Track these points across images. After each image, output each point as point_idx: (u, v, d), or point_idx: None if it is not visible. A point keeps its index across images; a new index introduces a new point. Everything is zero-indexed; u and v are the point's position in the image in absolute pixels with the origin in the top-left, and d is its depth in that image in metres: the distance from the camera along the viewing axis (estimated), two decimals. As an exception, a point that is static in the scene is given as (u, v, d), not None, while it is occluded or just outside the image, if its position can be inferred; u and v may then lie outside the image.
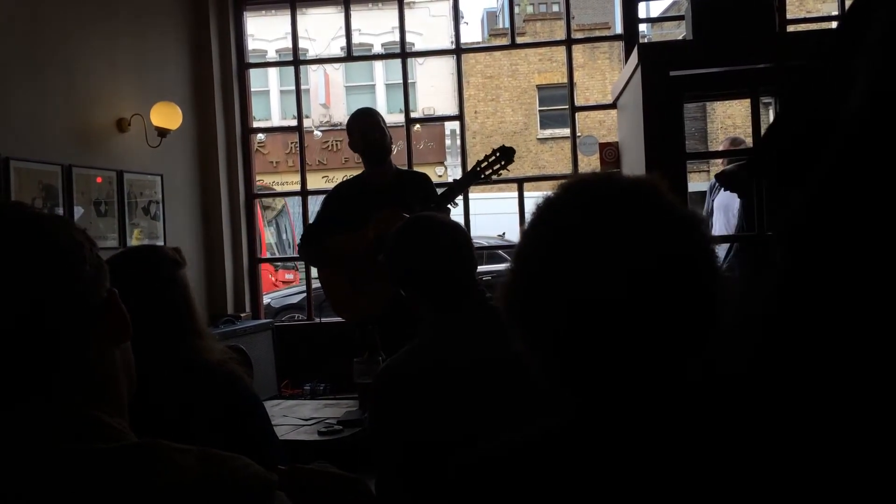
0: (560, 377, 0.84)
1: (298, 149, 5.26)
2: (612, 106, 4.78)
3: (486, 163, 3.41)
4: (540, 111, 17.93)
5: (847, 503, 0.75)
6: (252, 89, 5.33)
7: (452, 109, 5.08)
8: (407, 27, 5.09)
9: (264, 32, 15.05)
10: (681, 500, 0.77)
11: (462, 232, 1.77)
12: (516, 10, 5.84)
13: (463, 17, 14.66)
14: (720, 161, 4.86)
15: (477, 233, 6.27)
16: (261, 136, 14.56)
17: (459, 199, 3.40)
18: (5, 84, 3.46)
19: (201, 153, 4.85)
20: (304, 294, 5.43)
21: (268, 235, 12.17)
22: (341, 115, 17.21)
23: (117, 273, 0.89)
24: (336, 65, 16.63)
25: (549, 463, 0.81)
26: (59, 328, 0.77)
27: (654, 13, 19.52)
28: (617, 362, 0.80)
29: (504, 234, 8.67)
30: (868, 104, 0.81)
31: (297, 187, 5.29)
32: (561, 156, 17.00)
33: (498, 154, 3.41)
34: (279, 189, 13.97)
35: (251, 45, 5.84)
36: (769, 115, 7.92)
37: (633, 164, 3.98)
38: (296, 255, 11.10)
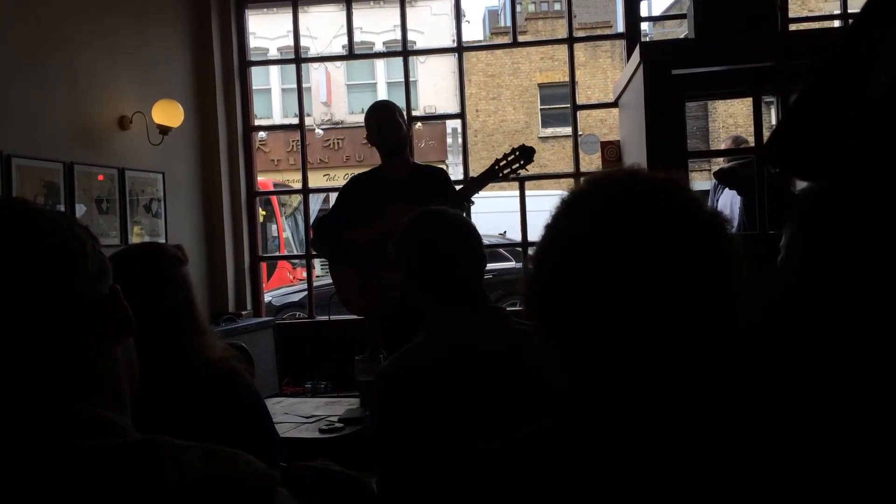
0: (577, 373, 0.84)
1: (300, 147, 5.26)
2: (614, 104, 4.78)
3: (504, 161, 3.35)
4: (541, 110, 17.92)
5: (859, 499, 0.75)
6: (253, 87, 5.33)
7: (454, 108, 5.10)
8: (408, 25, 5.09)
9: (266, 30, 15.05)
10: (693, 499, 0.76)
11: (472, 229, 1.76)
12: (518, 8, 5.83)
13: (464, 16, 14.68)
14: (722, 160, 4.86)
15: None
16: (262, 134, 14.56)
17: (475, 197, 3.34)
18: (7, 81, 3.46)
19: (203, 151, 4.85)
20: (306, 292, 5.43)
21: (286, 230, 12.19)
22: (343, 113, 17.21)
23: (119, 270, 0.89)
24: (337, 63, 16.61)
25: (564, 460, 0.81)
26: (61, 325, 0.77)
27: (656, 12, 19.55)
28: (636, 359, 0.79)
29: (505, 232, 8.67)
30: (890, 99, 0.81)
31: (299, 185, 5.29)
32: (562, 154, 16.99)
33: (518, 153, 3.35)
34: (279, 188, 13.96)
35: (253, 42, 5.85)
36: (771, 114, 7.91)
37: (635, 162, 3.97)
38: (299, 253, 11.17)
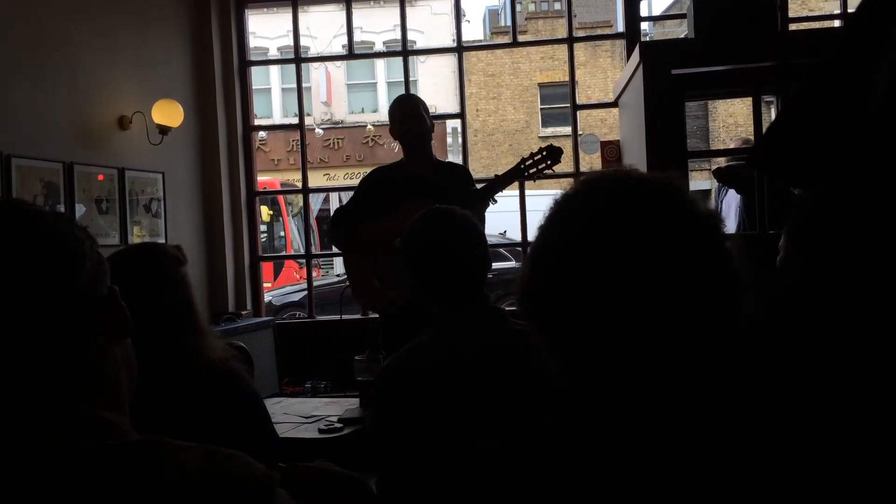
0: (576, 373, 0.84)
1: (300, 146, 5.27)
2: (614, 104, 4.78)
3: (531, 160, 3.32)
4: (541, 109, 17.92)
5: (859, 499, 0.75)
6: (253, 87, 5.33)
7: (454, 107, 5.11)
8: (408, 25, 5.09)
9: (266, 30, 15.04)
10: (693, 500, 0.76)
11: (477, 230, 1.75)
12: (518, 8, 5.84)
13: (464, 15, 14.68)
14: (723, 160, 4.86)
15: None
16: (262, 133, 14.57)
17: (499, 195, 3.31)
18: (7, 81, 3.46)
19: (203, 151, 4.85)
20: (306, 292, 5.43)
21: (292, 229, 12.21)
22: (343, 112, 17.21)
23: (118, 270, 0.89)
24: (337, 63, 16.61)
25: (564, 460, 0.81)
26: (59, 325, 0.77)
27: (656, 11, 19.54)
28: (632, 359, 0.79)
29: (505, 232, 8.66)
30: (890, 100, 0.81)
31: (299, 185, 5.29)
32: (563, 154, 16.97)
33: (545, 153, 3.32)
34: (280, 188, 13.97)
35: (253, 42, 5.85)
36: (771, 114, 7.91)
37: (635, 162, 3.97)
38: (300, 253, 11.17)
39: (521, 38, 10.13)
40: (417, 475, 1.49)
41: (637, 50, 3.64)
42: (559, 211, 0.85)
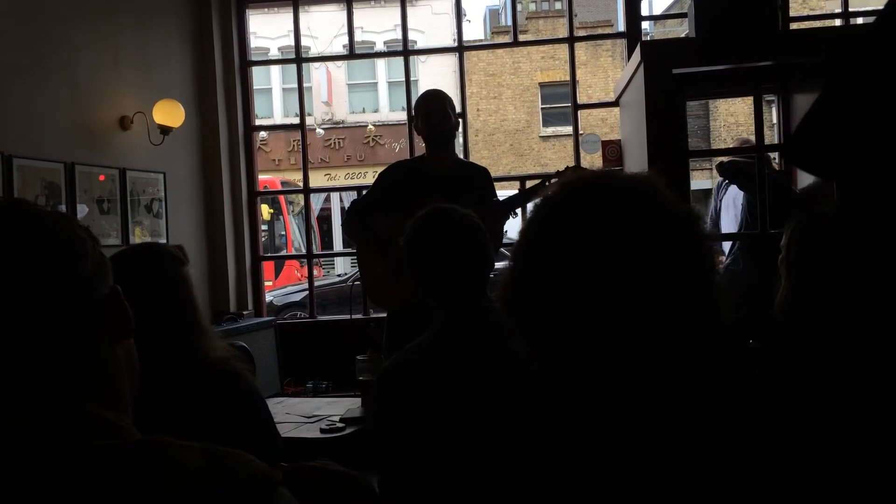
0: (557, 374, 0.84)
1: (301, 146, 5.27)
2: (615, 104, 4.78)
3: (556, 179, 3.28)
4: (542, 109, 17.91)
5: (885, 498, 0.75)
6: (254, 87, 5.34)
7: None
8: (409, 25, 5.09)
9: (266, 30, 15.05)
10: (676, 499, 0.77)
11: (480, 230, 1.75)
12: (518, 7, 5.84)
13: (465, 15, 14.66)
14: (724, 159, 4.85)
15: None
16: (263, 133, 14.57)
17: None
18: (8, 81, 3.46)
19: (204, 151, 4.85)
20: (307, 292, 5.44)
21: (293, 228, 12.22)
22: (343, 112, 17.21)
23: (120, 270, 0.89)
24: (338, 62, 16.61)
25: (548, 462, 0.81)
26: (61, 325, 0.77)
27: (657, 11, 19.52)
28: (609, 360, 0.80)
29: (506, 232, 8.67)
30: None
31: (300, 185, 5.29)
32: (563, 154, 16.98)
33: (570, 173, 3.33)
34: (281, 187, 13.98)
35: (253, 42, 5.85)
36: (772, 113, 7.90)
37: (636, 161, 3.97)
38: (301, 252, 11.17)
39: (521, 38, 10.13)
40: (418, 474, 1.49)
41: (638, 49, 3.64)
42: (540, 213, 0.86)
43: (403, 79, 5.11)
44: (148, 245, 1.97)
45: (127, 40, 4.25)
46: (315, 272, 6.25)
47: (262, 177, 6.14)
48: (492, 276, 1.74)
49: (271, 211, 11.80)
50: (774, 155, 4.43)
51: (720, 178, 4.39)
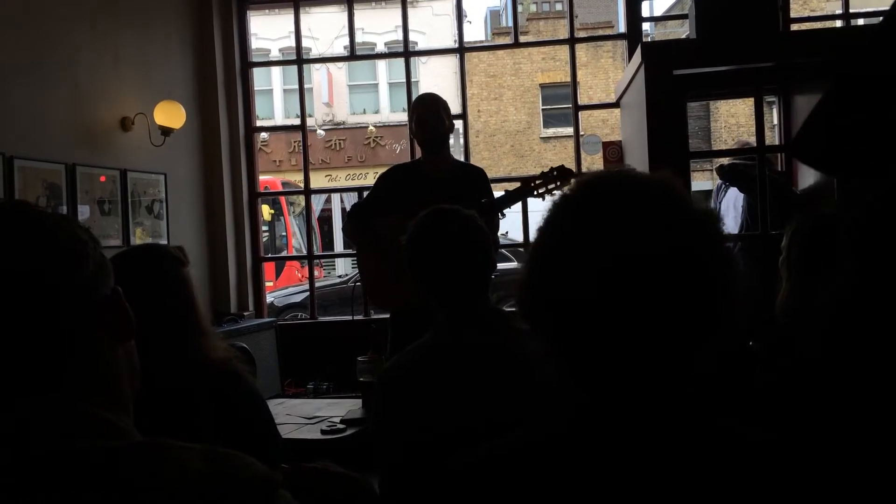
0: (572, 373, 0.84)
1: (301, 147, 5.27)
2: (616, 105, 4.78)
3: (541, 180, 3.33)
4: (543, 110, 17.90)
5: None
6: (255, 88, 5.34)
7: (455, 108, 5.12)
8: (410, 26, 5.10)
9: (267, 31, 15.05)
10: (684, 500, 0.77)
11: (481, 231, 1.75)
12: (519, 8, 5.84)
13: (466, 16, 14.66)
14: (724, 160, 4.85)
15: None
16: (264, 135, 14.58)
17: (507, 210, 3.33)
18: (9, 82, 3.46)
19: (205, 152, 4.85)
20: (308, 293, 5.44)
21: (294, 229, 12.23)
22: (344, 114, 17.20)
23: (121, 272, 0.89)
24: (339, 64, 16.62)
25: (554, 462, 0.81)
26: (62, 326, 0.77)
27: (658, 12, 19.52)
28: (626, 358, 0.79)
29: (507, 233, 8.66)
30: None
31: (301, 186, 5.29)
32: (564, 155, 16.97)
33: (556, 174, 3.32)
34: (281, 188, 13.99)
35: (254, 44, 5.86)
36: (773, 114, 7.90)
37: (637, 162, 3.97)
38: (302, 252, 11.17)
39: (522, 39, 10.15)
40: (419, 475, 1.49)
41: (639, 50, 3.64)
42: (557, 212, 0.86)
43: (404, 80, 5.11)
44: (149, 246, 1.97)
45: (128, 41, 4.25)
46: (316, 273, 6.26)
47: (262, 178, 6.15)
48: (493, 277, 1.74)
49: (272, 212, 11.80)
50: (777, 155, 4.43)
51: (720, 181, 4.39)
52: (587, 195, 0.85)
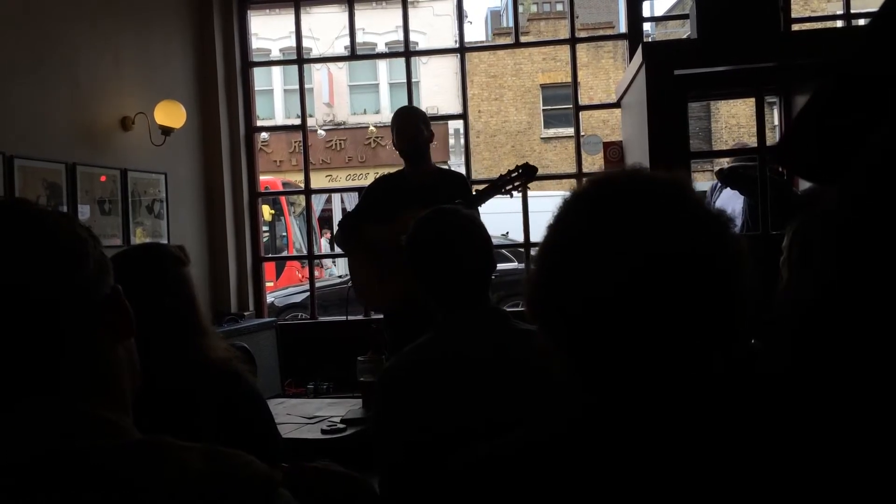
0: (581, 373, 0.83)
1: (302, 148, 5.27)
2: (616, 105, 4.78)
3: (508, 178, 3.45)
4: (544, 110, 17.91)
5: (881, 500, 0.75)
6: (256, 88, 5.34)
7: (456, 108, 5.12)
8: (411, 26, 5.10)
9: (268, 31, 15.05)
10: (693, 500, 0.76)
11: (481, 231, 1.75)
12: (520, 9, 5.85)
13: (467, 17, 14.66)
14: (727, 161, 4.86)
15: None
16: (264, 134, 14.58)
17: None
18: (9, 82, 3.46)
19: (205, 152, 4.85)
20: (308, 293, 5.44)
21: (294, 229, 12.23)
22: (345, 114, 17.21)
23: (121, 271, 0.89)
24: (340, 64, 16.61)
25: (558, 462, 0.81)
26: (62, 325, 0.77)
27: (659, 12, 19.51)
28: (635, 359, 0.79)
29: (508, 233, 8.66)
30: None
31: (301, 186, 5.29)
32: (565, 155, 16.98)
33: (521, 171, 3.44)
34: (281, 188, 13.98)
35: (255, 43, 5.86)
36: (773, 115, 7.89)
37: (637, 162, 3.97)
38: (303, 253, 11.17)
39: (523, 39, 10.14)
40: (419, 475, 1.49)
41: (640, 51, 3.64)
42: (568, 210, 0.85)
43: (405, 80, 5.11)
44: (149, 245, 1.97)
45: (128, 41, 4.25)
46: (316, 273, 6.26)
47: (263, 178, 6.14)
48: (493, 277, 1.74)
49: (272, 212, 11.80)
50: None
51: (714, 181, 4.40)
52: (602, 194, 0.84)
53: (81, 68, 3.90)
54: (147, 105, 4.25)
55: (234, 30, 5.02)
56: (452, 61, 15.39)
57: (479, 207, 3.40)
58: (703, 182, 14.92)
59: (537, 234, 0.92)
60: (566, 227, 0.84)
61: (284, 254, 12.02)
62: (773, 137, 6.00)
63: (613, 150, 4.69)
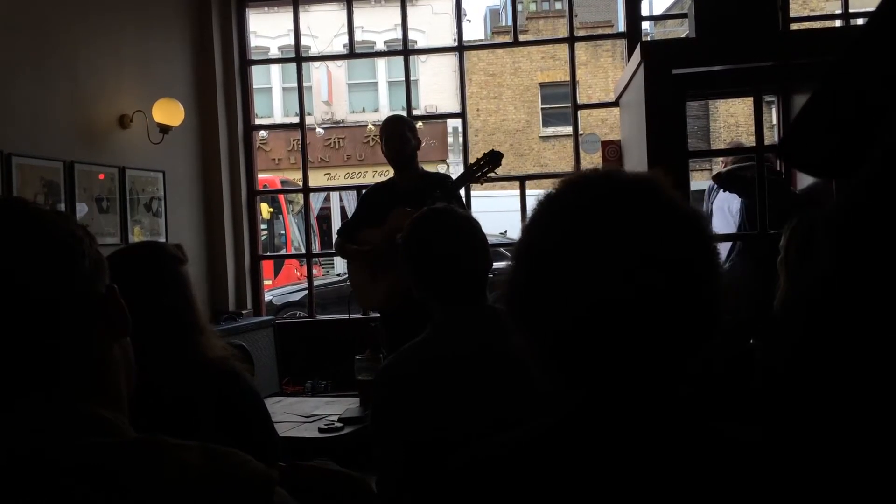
0: (559, 374, 0.84)
1: (300, 146, 5.27)
2: (615, 104, 4.78)
3: (476, 166, 3.63)
4: (542, 109, 17.90)
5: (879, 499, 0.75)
6: (254, 86, 5.34)
7: (455, 107, 5.09)
8: (409, 24, 5.09)
9: (267, 29, 15.04)
10: (678, 498, 0.77)
11: (477, 229, 1.76)
12: (519, 7, 5.86)
13: (465, 15, 14.66)
14: (721, 161, 4.86)
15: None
16: (263, 133, 14.56)
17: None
18: (8, 80, 3.46)
19: (203, 150, 4.85)
20: (306, 291, 5.44)
21: (293, 227, 12.23)
22: (343, 112, 17.20)
23: (119, 269, 0.89)
24: (338, 62, 16.60)
25: (550, 459, 0.81)
26: (58, 324, 0.77)
27: (657, 11, 19.53)
28: (615, 360, 0.79)
29: (506, 231, 8.67)
30: None
31: (300, 184, 5.29)
32: (563, 154, 16.98)
33: (487, 158, 3.63)
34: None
35: (253, 41, 5.85)
36: (772, 114, 7.90)
37: (636, 162, 3.97)
38: (301, 251, 11.16)
39: (521, 38, 10.14)
40: (417, 474, 1.49)
41: (638, 49, 3.63)
42: (543, 211, 0.86)
43: (404, 78, 5.11)
44: (147, 244, 1.97)
45: (127, 39, 4.25)
46: (314, 271, 6.26)
47: (261, 176, 6.14)
48: (490, 276, 1.74)
49: (271, 210, 11.80)
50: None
51: (711, 183, 4.40)
52: (576, 195, 0.84)
53: (80, 66, 3.90)
54: (145, 103, 4.24)
55: (233, 28, 5.02)
56: (451, 60, 15.39)
57: (463, 198, 3.56)
58: (701, 181, 14.94)
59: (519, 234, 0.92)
60: (545, 232, 0.85)
61: (283, 252, 12.02)
62: (771, 136, 6.00)
63: (612, 149, 4.69)
